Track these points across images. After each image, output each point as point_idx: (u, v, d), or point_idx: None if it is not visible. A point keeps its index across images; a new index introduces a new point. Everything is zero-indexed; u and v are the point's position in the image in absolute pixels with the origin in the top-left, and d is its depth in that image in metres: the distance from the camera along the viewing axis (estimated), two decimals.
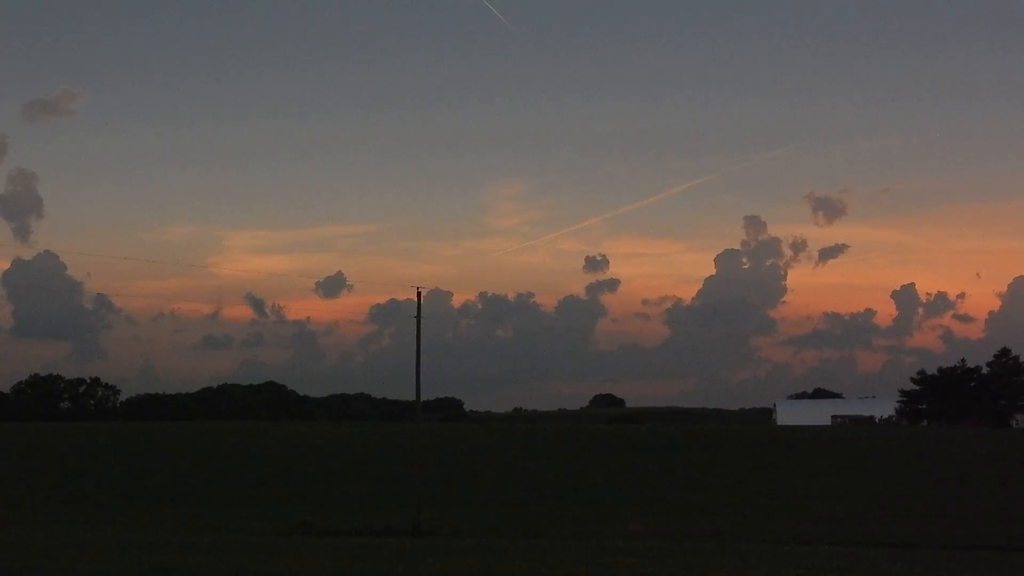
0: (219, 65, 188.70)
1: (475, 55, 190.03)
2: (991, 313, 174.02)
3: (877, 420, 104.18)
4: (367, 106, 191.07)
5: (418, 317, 25.23)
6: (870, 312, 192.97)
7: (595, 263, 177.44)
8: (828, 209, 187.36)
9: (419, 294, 25.32)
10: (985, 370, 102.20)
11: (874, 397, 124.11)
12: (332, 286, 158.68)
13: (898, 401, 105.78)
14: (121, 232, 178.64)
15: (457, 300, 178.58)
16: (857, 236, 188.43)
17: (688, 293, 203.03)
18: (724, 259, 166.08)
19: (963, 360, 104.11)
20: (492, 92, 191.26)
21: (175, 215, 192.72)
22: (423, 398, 26.64)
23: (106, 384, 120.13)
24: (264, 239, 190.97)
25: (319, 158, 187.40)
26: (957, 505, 26.30)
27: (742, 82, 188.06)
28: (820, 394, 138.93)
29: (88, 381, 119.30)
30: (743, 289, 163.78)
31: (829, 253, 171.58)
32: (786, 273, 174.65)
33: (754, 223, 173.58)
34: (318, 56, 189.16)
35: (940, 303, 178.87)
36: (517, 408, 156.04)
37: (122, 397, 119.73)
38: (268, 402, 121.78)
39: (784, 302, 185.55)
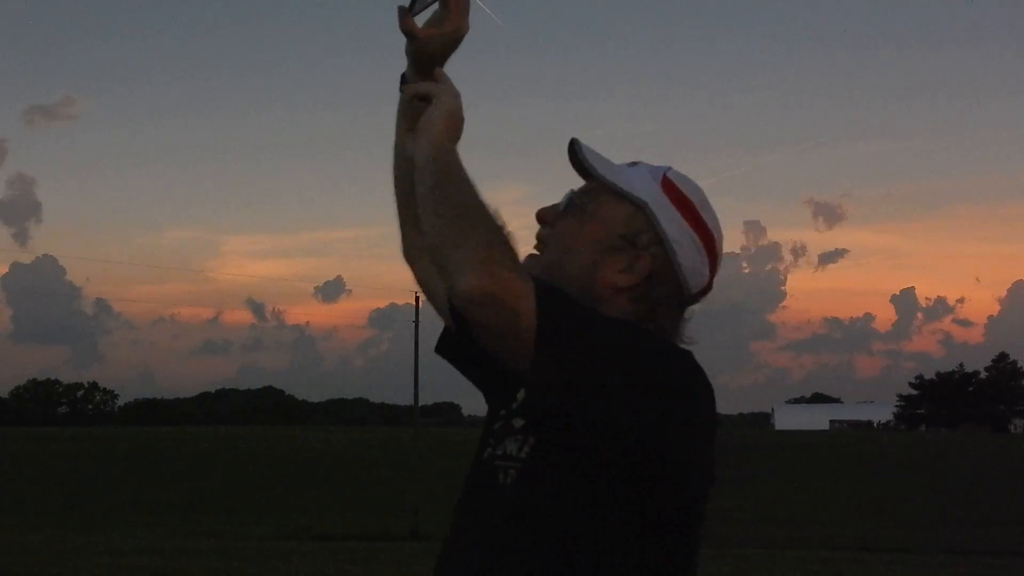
0: (218, 70, 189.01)
1: (473, 57, 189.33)
2: (990, 317, 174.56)
3: (875, 425, 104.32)
4: (366, 109, 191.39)
5: (416, 322, 25.28)
6: (869, 317, 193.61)
7: None
8: (828, 214, 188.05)
9: (418, 299, 25.35)
10: (983, 375, 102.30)
11: (872, 402, 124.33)
12: (331, 291, 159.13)
13: (896, 406, 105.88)
14: (120, 237, 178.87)
15: None
16: (857, 241, 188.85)
17: None
18: (724, 264, 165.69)
19: (961, 365, 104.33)
20: (492, 95, 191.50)
21: (174, 220, 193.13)
22: (422, 403, 26.66)
23: (104, 389, 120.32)
24: (263, 243, 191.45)
25: (318, 162, 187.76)
26: (955, 510, 26.31)
27: (741, 86, 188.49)
28: (818, 399, 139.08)
29: (86, 386, 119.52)
30: (742, 294, 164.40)
31: (829, 258, 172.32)
32: (786, 278, 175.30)
33: (754, 228, 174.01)
34: (316, 59, 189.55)
35: (939, 308, 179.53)
36: None
37: (120, 402, 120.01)
38: (267, 407, 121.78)
39: (784, 307, 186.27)
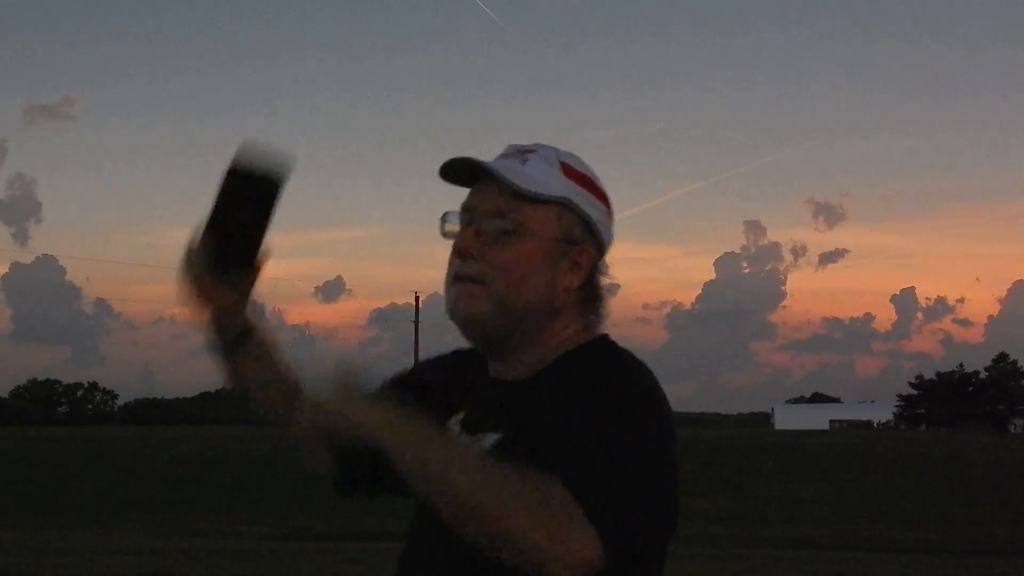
0: (218, 69, 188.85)
1: (470, 56, 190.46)
2: (990, 317, 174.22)
3: (875, 425, 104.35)
4: (365, 109, 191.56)
5: (416, 321, 25.32)
6: (869, 316, 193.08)
7: None
8: (828, 214, 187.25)
9: (417, 299, 25.41)
10: (983, 375, 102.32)
11: (872, 402, 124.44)
12: (331, 291, 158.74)
13: (896, 406, 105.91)
14: (120, 237, 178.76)
15: None
16: (857, 241, 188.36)
17: (688, 298, 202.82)
18: (724, 264, 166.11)
19: (961, 364, 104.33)
20: (489, 95, 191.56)
21: (174, 220, 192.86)
22: None
23: (104, 389, 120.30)
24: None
25: (317, 162, 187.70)
26: (955, 510, 26.34)
27: (741, 86, 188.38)
28: (818, 399, 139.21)
29: (86, 386, 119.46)
30: (743, 294, 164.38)
31: (829, 258, 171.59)
32: (786, 278, 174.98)
33: (754, 228, 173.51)
34: (315, 59, 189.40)
35: (939, 308, 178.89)
36: None
37: (120, 402, 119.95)
38: None
39: (784, 307, 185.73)
